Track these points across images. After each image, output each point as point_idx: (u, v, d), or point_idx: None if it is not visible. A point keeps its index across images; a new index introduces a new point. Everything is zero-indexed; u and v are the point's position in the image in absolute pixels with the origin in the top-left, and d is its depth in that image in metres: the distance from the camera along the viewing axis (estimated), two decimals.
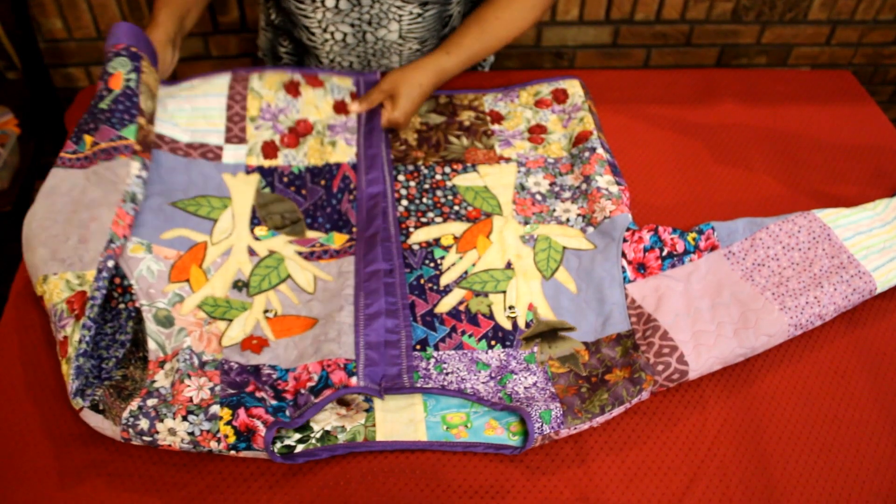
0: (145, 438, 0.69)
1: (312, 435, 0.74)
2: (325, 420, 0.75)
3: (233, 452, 0.70)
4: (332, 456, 0.73)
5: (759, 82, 1.19)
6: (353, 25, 1.09)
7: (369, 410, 0.76)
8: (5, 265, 1.39)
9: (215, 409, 0.71)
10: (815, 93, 1.18)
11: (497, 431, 0.75)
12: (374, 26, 1.09)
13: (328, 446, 0.73)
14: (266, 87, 1.05)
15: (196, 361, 0.76)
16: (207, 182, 0.96)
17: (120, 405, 0.72)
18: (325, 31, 1.10)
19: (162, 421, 0.69)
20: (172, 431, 0.69)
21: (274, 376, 0.78)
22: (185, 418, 0.70)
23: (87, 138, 0.89)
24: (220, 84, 1.04)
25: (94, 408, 0.72)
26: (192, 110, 1.01)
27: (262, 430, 0.70)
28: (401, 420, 0.76)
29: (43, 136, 1.59)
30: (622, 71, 1.22)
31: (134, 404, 0.71)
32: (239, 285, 0.86)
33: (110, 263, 0.79)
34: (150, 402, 0.71)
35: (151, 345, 0.78)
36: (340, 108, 1.07)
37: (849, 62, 1.98)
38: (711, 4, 1.80)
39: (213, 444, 0.69)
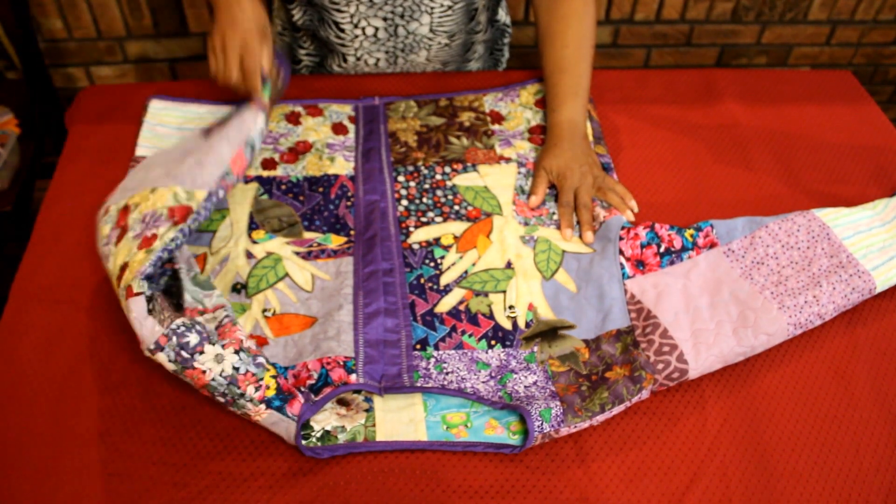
0: (184, 354, 0.68)
1: (313, 434, 0.74)
2: (325, 420, 0.75)
3: (261, 407, 0.70)
4: (332, 456, 0.73)
5: (759, 82, 1.20)
6: (385, 19, 1.09)
7: (369, 410, 0.76)
8: (5, 265, 1.39)
9: (262, 360, 0.71)
10: (815, 93, 1.18)
11: (497, 431, 0.75)
12: (407, 19, 1.09)
13: (328, 446, 0.73)
14: (269, 119, 1.07)
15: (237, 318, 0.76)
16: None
17: (173, 313, 0.71)
18: (356, 26, 1.10)
19: (213, 345, 0.69)
20: (219, 358, 0.68)
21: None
22: (236, 352, 0.69)
23: None
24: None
25: (147, 301, 0.71)
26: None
27: (300, 397, 0.70)
28: (401, 420, 0.76)
29: (43, 136, 1.59)
30: (622, 71, 1.22)
31: (187, 318, 0.70)
32: (237, 287, 0.87)
33: (221, 193, 0.81)
34: (200, 327, 0.70)
35: (188, 298, 0.76)
36: (339, 129, 1.07)
37: (849, 62, 1.98)
38: (711, 4, 1.80)
39: (251, 389, 0.69)
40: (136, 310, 0.70)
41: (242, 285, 0.87)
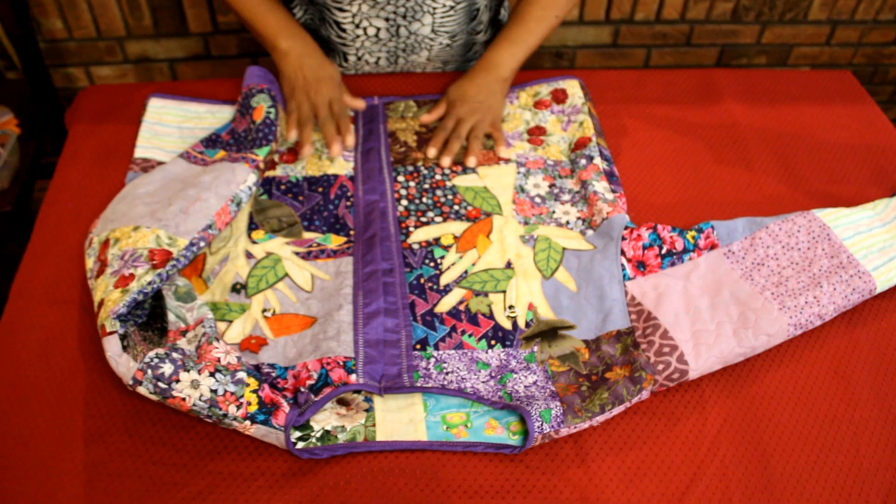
0: (161, 385, 0.68)
1: (312, 434, 0.74)
2: (325, 420, 0.75)
3: (246, 423, 0.70)
4: (332, 456, 0.73)
5: (759, 82, 1.19)
6: (387, 19, 1.09)
7: (369, 410, 0.76)
8: (5, 265, 1.39)
9: (242, 375, 0.71)
10: (815, 93, 1.18)
11: (497, 431, 0.75)
12: (409, 20, 1.10)
13: (328, 446, 0.73)
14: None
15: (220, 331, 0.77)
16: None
17: (146, 346, 0.72)
18: (357, 26, 1.10)
19: (187, 371, 0.69)
20: (195, 384, 0.69)
21: (273, 375, 0.78)
22: (212, 374, 0.69)
23: (221, 153, 0.98)
24: (228, 118, 1.08)
25: (121, 339, 0.72)
26: (193, 139, 1.05)
27: (285, 406, 0.70)
28: (401, 420, 0.76)
29: (43, 136, 1.59)
30: (622, 71, 1.22)
31: (160, 350, 0.70)
32: (237, 288, 0.87)
33: (202, 244, 0.84)
34: (176, 354, 0.71)
35: (171, 317, 0.78)
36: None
37: (849, 62, 1.98)
38: (711, 4, 1.80)
39: (232, 409, 0.69)
40: (111, 349, 0.72)
41: (242, 285, 0.87)
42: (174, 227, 0.83)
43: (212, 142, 1.01)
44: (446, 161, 1.01)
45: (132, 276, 0.77)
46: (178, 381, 0.68)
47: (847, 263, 0.87)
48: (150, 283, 0.77)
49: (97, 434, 0.74)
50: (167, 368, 0.69)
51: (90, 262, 0.83)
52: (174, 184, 0.91)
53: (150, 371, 0.68)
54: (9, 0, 1.49)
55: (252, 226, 0.94)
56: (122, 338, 0.72)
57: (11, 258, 1.01)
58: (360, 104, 1.05)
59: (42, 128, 1.60)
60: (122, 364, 0.70)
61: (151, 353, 0.69)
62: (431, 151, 1.02)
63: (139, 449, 0.73)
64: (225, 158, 0.95)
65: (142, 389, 0.69)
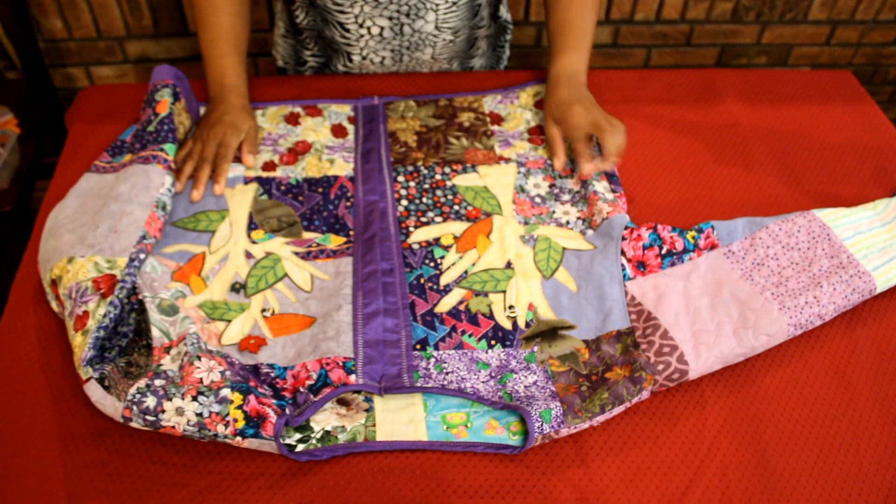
0: (148, 418, 0.69)
1: (313, 435, 0.74)
2: (325, 420, 0.75)
3: (238, 439, 0.70)
4: (332, 456, 0.73)
5: (759, 82, 1.20)
6: (390, 18, 1.09)
7: (369, 410, 0.76)
8: (5, 265, 1.39)
9: (226, 392, 0.71)
10: (815, 93, 1.18)
11: (497, 431, 0.75)
12: (412, 17, 1.10)
13: (328, 447, 0.73)
14: (268, 121, 1.08)
15: (203, 345, 0.76)
16: (207, 198, 0.97)
17: (127, 383, 0.72)
18: (360, 25, 1.10)
19: (170, 400, 0.69)
20: (180, 411, 0.69)
21: (272, 375, 0.78)
22: (194, 398, 0.70)
23: (129, 156, 0.96)
24: None
25: (100, 382, 0.72)
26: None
27: (272, 416, 0.70)
28: (401, 420, 0.76)
29: (43, 136, 1.59)
30: (622, 71, 1.22)
31: (141, 382, 0.71)
32: (237, 287, 0.87)
33: (142, 256, 0.84)
34: (158, 382, 0.71)
35: (155, 332, 0.77)
36: (338, 131, 1.07)
37: (849, 62, 1.98)
38: (711, 4, 1.80)
39: (220, 428, 0.69)
40: (93, 394, 0.72)
41: (241, 285, 0.87)
42: (109, 249, 0.82)
43: (117, 148, 0.99)
44: (589, 168, 0.97)
45: (86, 314, 0.77)
46: (163, 411, 0.69)
47: (847, 263, 0.87)
48: (105, 315, 0.76)
49: (97, 434, 0.74)
50: (150, 401, 0.69)
51: (55, 306, 0.83)
52: (92, 201, 0.90)
53: (135, 407, 0.69)
54: (9, 0, 1.49)
55: (251, 226, 0.94)
56: (101, 380, 0.73)
57: (11, 258, 1.01)
58: (250, 162, 1.00)
59: (42, 128, 1.60)
60: (109, 406, 0.71)
61: (133, 390, 0.70)
62: (588, 168, 0.97)
63: (139, 449, 0.73)
64: (135, 160, 0.94)
65: (134, 425, 0.70)
